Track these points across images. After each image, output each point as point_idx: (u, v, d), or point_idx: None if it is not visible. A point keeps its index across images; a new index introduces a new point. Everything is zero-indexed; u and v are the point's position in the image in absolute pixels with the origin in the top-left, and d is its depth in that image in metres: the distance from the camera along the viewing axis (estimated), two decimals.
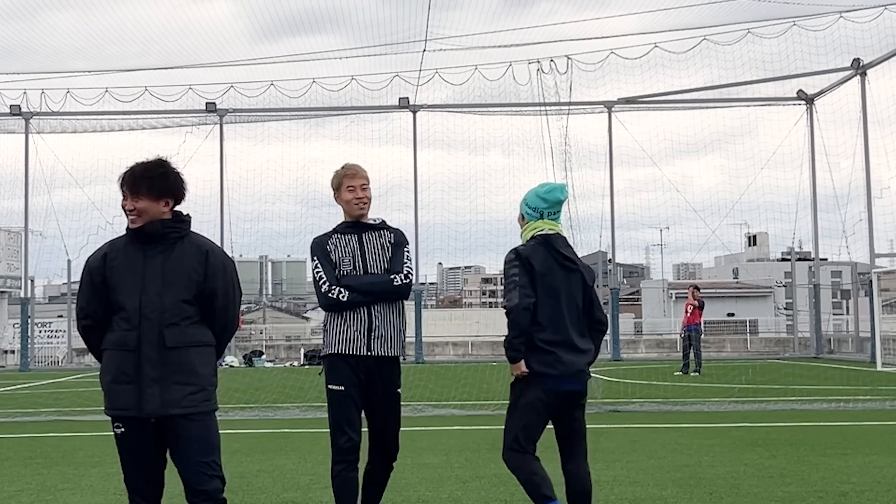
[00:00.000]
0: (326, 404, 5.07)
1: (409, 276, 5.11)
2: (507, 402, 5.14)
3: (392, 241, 5.15)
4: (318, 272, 5.05)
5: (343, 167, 5.20)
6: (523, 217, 5.20)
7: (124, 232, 4.27)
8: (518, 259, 5.01)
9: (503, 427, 5.07)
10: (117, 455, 4.29)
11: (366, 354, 4.96)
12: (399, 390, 5.15)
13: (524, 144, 31.29)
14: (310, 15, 28.99)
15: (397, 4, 30.37)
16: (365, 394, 5.03)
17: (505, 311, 4.96)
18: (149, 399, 4.04)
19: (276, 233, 36.13)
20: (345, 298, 4.96)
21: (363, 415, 5.10)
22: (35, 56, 29.58)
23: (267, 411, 13.15)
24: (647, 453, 8.47)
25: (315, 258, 5.10)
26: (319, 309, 5.48)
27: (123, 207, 4.17)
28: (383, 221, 5.25)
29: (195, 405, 4.10)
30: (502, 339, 5.11)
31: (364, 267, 5.05)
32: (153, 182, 4.14)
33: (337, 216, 5.31)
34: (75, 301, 4.37)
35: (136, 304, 4.08)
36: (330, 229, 5.23)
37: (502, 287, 5.17)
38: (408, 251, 5.20)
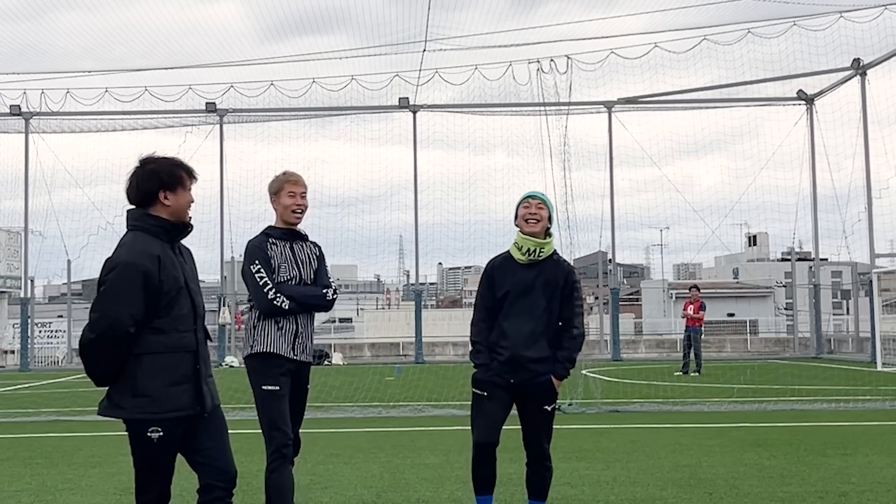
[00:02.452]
0: (256, 404, 5.18)
1: (337, 290, 5.42)
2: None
3: (318, 254, 5.40)
4: (261, 277, 5.17)
5: (285, 173, 5.36)
6: (550, 219, 5.39)
7: (144, 230, 4.11)
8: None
9: (551, 427, 5.42)
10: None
11: (291, 357, 5.18)
12: (308, 387, 5.41)
13: (524, 144, 31.37)
14: (317, 15, 28.93)
15: (404, 4, 30.30)
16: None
17: (582, 335, 5.35)
18: (206, 395, 4.14)
19: None
20: (286, 307, 5.15)
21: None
22: (38, 56, 29.48)
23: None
24: (647, 453, 8.47)
25: (256, 262, 5.20)
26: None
27: (188, 202, 4.19)
28: (306, 234, 5.48)
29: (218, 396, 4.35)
30: None
31: (299, 275, 5.26)
32: None
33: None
34: (103, 305, 3.93)
35: (189, 303, 4.13)
36: (260, 233, 5.34)
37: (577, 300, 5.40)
38: (328, 267, 5.47)
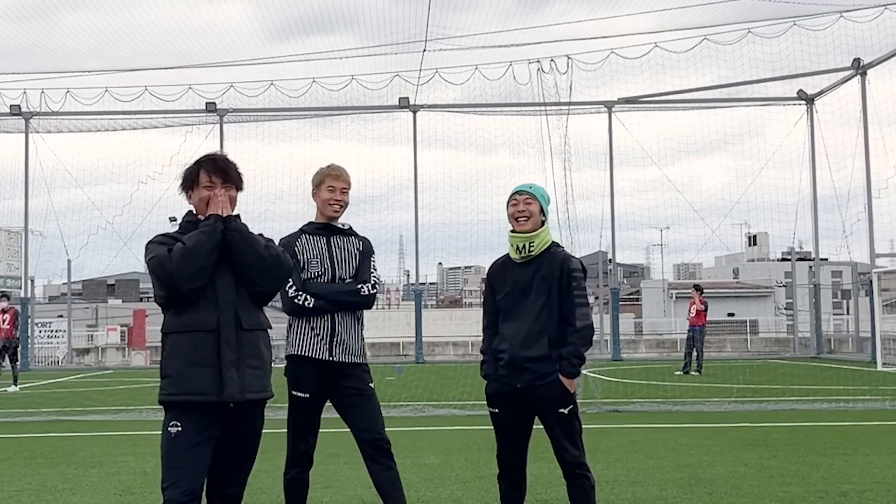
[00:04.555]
0: (288, 407, 5.03)
1: (377, 286, 5.15)
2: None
3: (360, 248, 5.17)
4: None
5: (329, 166, 5.18)
6: (543, 212, 4.99)
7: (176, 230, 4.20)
8: (584, 274, 4.96)
9: (579, 435, 4.91)
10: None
11: (328, 360, 4.97)
12: (371, 385, 5.15)
13: (525, 144, 31.39)
14: (321, 15, 28.95)
15: (409, 4, 30.32)
16: (332, 396, 5.04)
17: (586, 327, 4.83)
18: (230, 383, 3.95)
19: (278, 233, 35.41)
20: (310, 305, 4.96)
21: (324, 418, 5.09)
22: (45, 56, 29.58)
23: (267, 411, 13.14)
24: (647, 453, 8.48)
25: None
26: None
27: (210, 197, 4.12)
28: (351, 228, 5.25)
29: (265, 389, 4.13)
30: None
31: (333, 271, 5.05)
32: (240, 175, 4.29)
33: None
34: (149, 259, 4.06)
35: (210, 284, 4.00)
36: (297, 229, 5.18)
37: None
38: (374, 261, 5.21)
